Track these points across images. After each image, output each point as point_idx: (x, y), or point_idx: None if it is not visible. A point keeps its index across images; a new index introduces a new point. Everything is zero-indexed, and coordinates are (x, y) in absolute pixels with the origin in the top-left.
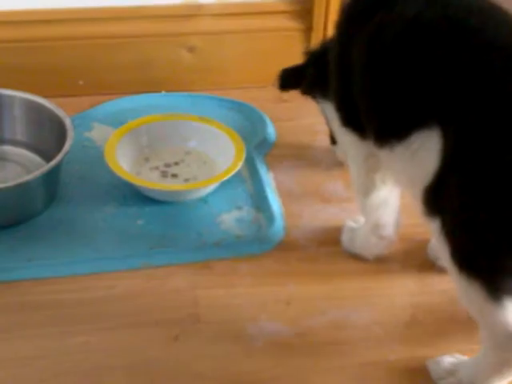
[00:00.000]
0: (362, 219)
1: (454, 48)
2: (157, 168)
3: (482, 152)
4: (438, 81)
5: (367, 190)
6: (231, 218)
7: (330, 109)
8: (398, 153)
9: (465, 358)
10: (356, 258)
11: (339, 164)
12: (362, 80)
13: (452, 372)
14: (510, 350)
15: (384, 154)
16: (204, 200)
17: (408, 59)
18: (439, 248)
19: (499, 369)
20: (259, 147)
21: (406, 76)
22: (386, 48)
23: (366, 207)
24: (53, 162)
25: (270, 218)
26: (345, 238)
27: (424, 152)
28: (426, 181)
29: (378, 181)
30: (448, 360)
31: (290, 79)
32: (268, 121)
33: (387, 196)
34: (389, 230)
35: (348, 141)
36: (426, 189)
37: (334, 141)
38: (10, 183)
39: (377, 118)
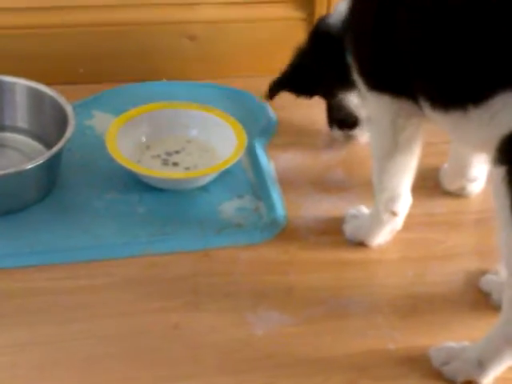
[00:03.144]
0: (364, 208)
1: None
2: (158, 156)
3: None
4: None
5: (390, 154)
6: (232, 207)
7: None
8: (473, 117)
9: (467, 343)
10: (357, 247)
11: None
12: (431, 45)
13: (455, 356)
14: None
15: (449, 119)
16: (205, 188)
17: (491, 15)
18: (497, 197)
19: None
20: (260, 136)
21: (485, 37)
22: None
23: (384, 176)
24: (54, 149)
25: (271, 207)
26: (347, 226)
27: (506, 113)
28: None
29: (403, 143)
30: (450, 345)
31: (281, 87)
32: (269, 110)
33: (406, 163)
34: (401, 205)
35: (374, 104)
36: (503, 137)
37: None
38: (11, 170)
39: (448, 84)
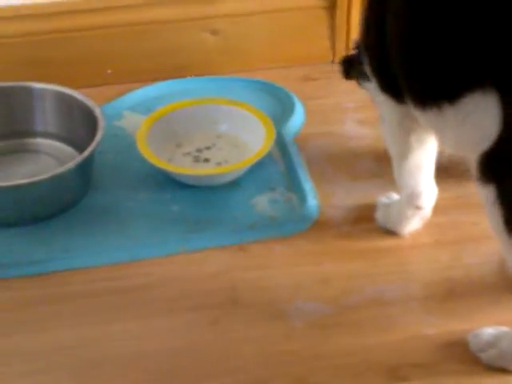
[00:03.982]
0: (395, 195)
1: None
2: (189, 153)
3: None
4: (497, 35)
5: (403, 153)
6: (264, 200)
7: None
8: (448, 116)
9: (506, 328)
10: (391, 233)
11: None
12: (404, 39)
13: (493, 344)
14: None
15: (428, 118)
16: (237, 183)
17: (461, 13)
18: (489, 214)
19: None
20: (289, 127)
21: (456, 31)
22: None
23: (403, 173)
24: (86, 152)
25: (303, 198)
26: (379, 214)
27: (479, 115)
28: (483, 145)
29: (414, 143)
30: (488, 332)
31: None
32: (296, 100)
33: (423, 160)
34: (425, 199)
35: (383, 105)
36: (484, 154)
37: None
38: (46, 175)
39: (422, 80)
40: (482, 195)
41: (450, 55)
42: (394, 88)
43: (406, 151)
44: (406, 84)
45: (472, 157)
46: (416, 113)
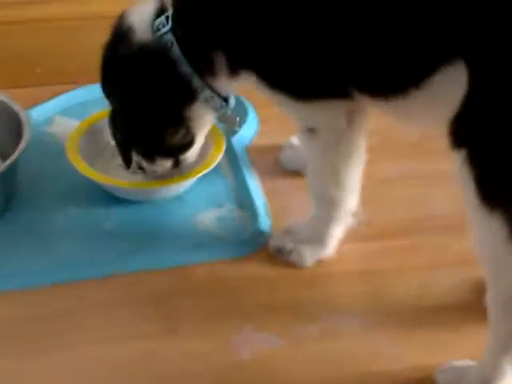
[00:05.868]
0: None
1: None
2: None
3: None
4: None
5: (348, 156)
6: (211, 218)
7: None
8: (416, 98)
9: (471, 362)
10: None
11: None
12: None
13: (461, 376)
14: None
15: (392, 107)
16: (180, 198)
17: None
18: (462, 181)
19: (508, 345)
20: (241, 137)
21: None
22: None
23: (341, 186)
24: (8, 162)
25: (254, 216)
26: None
27: (450, 88)
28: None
29: (362, 140)
30: (456, 365)
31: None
32: (250, 108)
33: (359, 165)
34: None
35: (322, 115)
36: (452, 120)
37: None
38: None
39: (386, 71)
40: (455, 164)
41: (419, 39)
42: (338, 89)
43: (350, 153)
44: (362, 82)
45: (443, 128)
46: (377, 106)
